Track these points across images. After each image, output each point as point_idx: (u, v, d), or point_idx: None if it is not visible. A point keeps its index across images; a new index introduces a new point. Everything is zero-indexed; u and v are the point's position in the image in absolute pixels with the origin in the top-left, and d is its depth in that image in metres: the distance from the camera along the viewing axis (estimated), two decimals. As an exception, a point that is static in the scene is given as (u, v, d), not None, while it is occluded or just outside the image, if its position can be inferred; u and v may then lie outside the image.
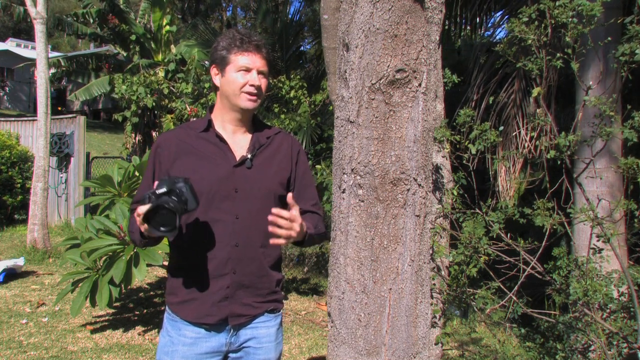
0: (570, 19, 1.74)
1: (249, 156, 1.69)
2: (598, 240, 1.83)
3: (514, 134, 5.24)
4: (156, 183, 1.52)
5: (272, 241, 1.57)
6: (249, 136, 1.74)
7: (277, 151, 1.76)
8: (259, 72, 1.65)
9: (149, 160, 1.73)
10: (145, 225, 1.45)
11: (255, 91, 1.64)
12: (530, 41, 1.81)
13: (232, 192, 1.65)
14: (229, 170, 1.66)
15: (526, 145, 5.05)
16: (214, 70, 1.71)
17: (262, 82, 1.67)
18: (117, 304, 4.82)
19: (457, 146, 1.97)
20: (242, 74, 1.64)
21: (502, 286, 1.93)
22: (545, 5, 1.77)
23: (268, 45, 1.72)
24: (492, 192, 5.13)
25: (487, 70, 5.65)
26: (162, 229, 1.42)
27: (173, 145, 1.69)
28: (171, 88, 7.30)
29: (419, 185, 1.78)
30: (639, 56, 1.65)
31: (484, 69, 5.66)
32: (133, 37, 11.86)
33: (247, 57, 1.63)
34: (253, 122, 1.78)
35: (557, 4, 1.75)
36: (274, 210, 1.54)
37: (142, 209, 1.44)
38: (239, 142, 1.72)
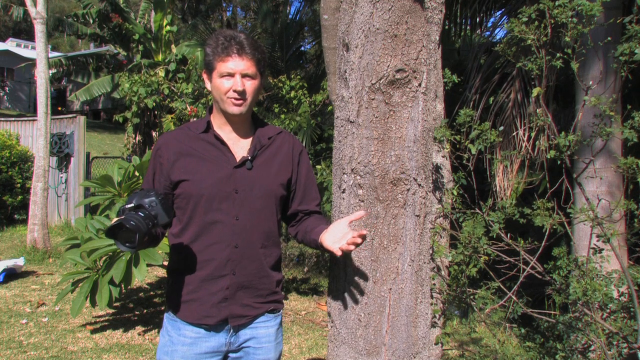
0: (569, 19, 1.74)
1: (249, 157, 1.69)
2: (598, 240, 1.83)
3: (512, 134, 5.25)
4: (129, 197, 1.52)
5: (342, 248, 1.57)
6: (249, 136, 1.74)
7: (278, 152, 1.76)
8: (244, 75, 1.62)
9: (149, 163, 1.73)
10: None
11: (239, 96, 1.62)
12: (530, 41, 1.81)
13: (232, 193, 1.65)
14: (229, 171, 1.66)
15: (524, 145, 5.06)
16: (204, 76, 1.71)
17: (248, 85, 1.63)
18: (117, 304, 4.82)
19: (457, 146, 1.97)
20: (226, 79, 1.62)
21: (502, 286, 1.93)
22: (544, 5, 1.77)
23: (263, 44, 1.71)
24: (490, 192, 5.13)
25: (486, 71, 5.65)
26: (127, 244, 1.42)
27: (173, 147, 1.69)
28: (172, 88, 7.30)
29: (419, 185, 1.78)
30: (638, 56, 1.65)
31: (482, 69, 5.66)
32: (136, 37, 11.86)
33: (229, 62, 1.60)
34: (253, 121, 1.78)
35: (557, 3, 1.75)
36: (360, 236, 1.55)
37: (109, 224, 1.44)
38: (240, 143, 1.72)
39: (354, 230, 1.59)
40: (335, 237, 1.61)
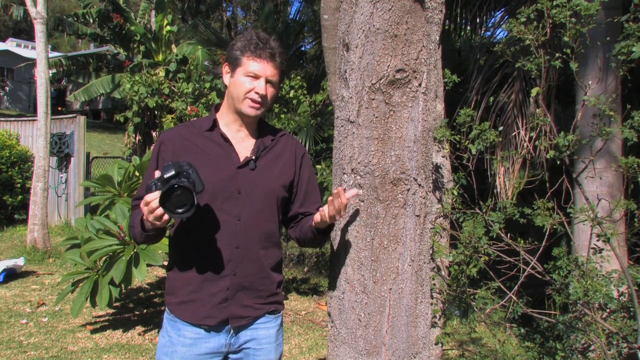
0: (568, 19, 1.74)
1: (253, 157, 1.69)
2: (598, 240, 1.83)
3: (513, 134, 5.25)
4: (157, 172, 1.49)
5: (322, 211, 1.60)
6: (253, 137, 1.74)
7: (281, 154, 1.76)
8: (268, 81, 1.63)
9: (151, 157, 1.72)
10: (157, 212, 1.42)
11: (259, 99, 1.63)
12: (528, 41, 1.81)
13: (234, 193, 1.65)
14: (233, 171, 1.66)
15: (525, 145, 5.06)
16: (225, 68, 1.70)
17: (269, 91, 1.65)
18: (117, 304, 4.82)
19: (458, 146, 1.97)
20: (249, 80, 1.62)
21: (502, 286, 1.93)
22: (542, 4, 1.77)
23: (285, 54, 1.69)
24: (491, 192, 5.13)
25: (486, 71, 5.65)
26: (179, 210, 1.40)
27: (177, 143, 1.68)
28: (172, 88, 7.30)
29: (419, 185, 1.78)
30: (636, 54, 1.65)
31: (483, 69, 5.66)
32: (137, 37, 11.86)
33: (258, 63, 1.61)
34: (258, 124, 1.78)
35: (555, 3, 1.75)
36: (339, 190, 1.57)
37: (152, 195, 1.42)
38: (243, 143, 1.72)
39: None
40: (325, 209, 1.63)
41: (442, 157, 2.03)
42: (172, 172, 1.43)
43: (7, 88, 25.92)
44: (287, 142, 1.79)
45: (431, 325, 1.89)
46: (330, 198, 1.59)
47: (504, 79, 5.59)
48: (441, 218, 1.96)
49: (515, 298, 1.90)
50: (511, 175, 5.17)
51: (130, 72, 9.94)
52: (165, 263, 3.69)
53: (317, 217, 1.64)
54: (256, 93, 1.61)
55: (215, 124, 1.70)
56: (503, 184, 5.17)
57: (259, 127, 1.76)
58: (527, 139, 5.08)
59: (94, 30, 14.04)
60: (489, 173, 5.18)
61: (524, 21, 1.82)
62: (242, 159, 1.68)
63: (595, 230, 1.79)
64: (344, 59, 1.83)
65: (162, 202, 1.39)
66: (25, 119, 9.93)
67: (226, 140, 1.68)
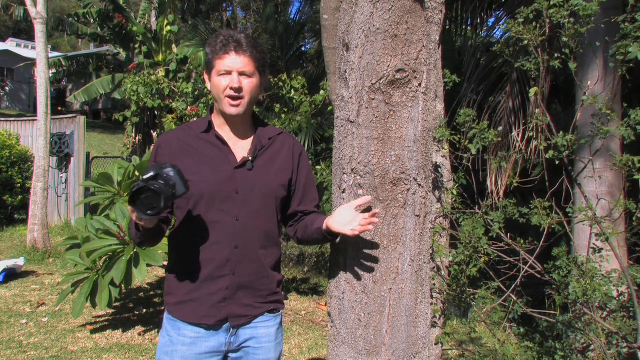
0: (566, 19, 1.74)
1: (250, 158, 1.69)
2: (597, 240, 1.83)
3: (509, 134, 5.25)
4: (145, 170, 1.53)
5: (354, 231, 1.60)
6: (250, 137, 1.74)
7: (279, 153, 1.76)
8: (241, 74, 1.62)
9: (150, 160, 1.74)
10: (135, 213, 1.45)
11: (236, 94, 1.62)
12: (527, 41, 1.81)
13: (232, 194, 1.65)
14: (230, 172, 1.66)
15: (517, 145, 5.06)
16: (205, 77, 1.72)
17: (245, 83, 1.63)
18: (117, 304, 4.82)
19: (457, 146, 1.97)
20: (223, 78, 1.62)
21: (502, 286, 1.93)
22: (540, 4, 1.77)
23: (264, 44, 1.70)
24: (484, 192, 5.14)
25: (482, 71, 5.66)
26: (148, 212, 1.43)
27: (174, 146, 1.69)
28: (172, 88, 7.30)
29: (419, 185, 1.78)
30: (632, 54, 1.65)
31: (478, 69, 5.67)
32: (139, 37, 11.84)
33: (226, 59, 1.61)
34: (254, 122, 1.78)
35: (551, 3, 1.75)
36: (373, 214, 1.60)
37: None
38: (240, 143, 1.72)
39: (365, 213, 1.61)
40: (344, 220, 1.62)
41: (442, 157, 2.03)
42: (151, 174, 1.47)
43: (7, 88, 25.92)
44: (284, 141, 1.79)
45: (431, 325, 1.89)
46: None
47: (500, 78, 5.60)
48: (441, 218, 1.96)
49: (514, 297, 1.90)
50: (503, 175, 5.17)
51: (134, 73, 9.95)
52: (166, 263, 3.69)
53: (337, 227, 1.64)
54: (231, 89, 1.61)
55: (210, 126, 1.71)
56: (494, 184, 5.17)
57: (255, 126, 1.76)
58: (519, 138, 5.09)
59: (94, 31, 14.03)
60: (480, 173, 5.18)
61: (522, 21, 1.82)
62: (239, 159, 1.68)
63: (595, 230, 1.79)
64: (344, 59, 1.83)
65: (132, 202, 1.42)
66: (25, 119, 9.93)
67: (222, 141, 1.69)
